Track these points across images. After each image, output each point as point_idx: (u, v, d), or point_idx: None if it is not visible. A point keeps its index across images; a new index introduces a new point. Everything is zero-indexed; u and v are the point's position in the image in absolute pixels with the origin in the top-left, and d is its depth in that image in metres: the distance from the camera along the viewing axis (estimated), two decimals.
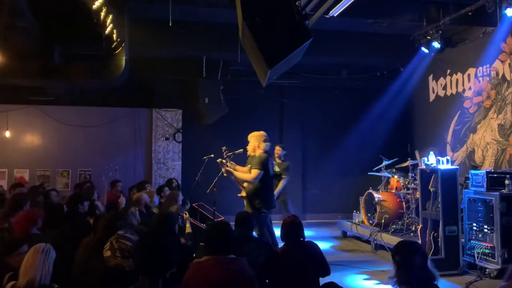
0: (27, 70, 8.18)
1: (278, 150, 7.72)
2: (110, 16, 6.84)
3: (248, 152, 5.81)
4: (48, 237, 4.13)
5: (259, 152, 5.64)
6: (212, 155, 7.76)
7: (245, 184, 5.84)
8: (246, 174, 5.58)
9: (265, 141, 5.70)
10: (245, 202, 5.73)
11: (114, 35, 7.55)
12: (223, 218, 8.07)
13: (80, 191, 7.25)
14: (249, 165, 5.65)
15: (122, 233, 3.22)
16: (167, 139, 10.27)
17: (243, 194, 5.71)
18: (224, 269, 2.93)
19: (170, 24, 6.96)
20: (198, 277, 2.91)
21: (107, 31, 7.19)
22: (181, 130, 10.34)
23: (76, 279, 3.36)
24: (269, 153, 5.80)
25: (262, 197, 5.53)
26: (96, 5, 6.16)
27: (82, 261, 3.49)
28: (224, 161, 5.74)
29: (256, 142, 5.70)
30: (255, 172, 5.45)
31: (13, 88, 9.04)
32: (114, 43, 7.83)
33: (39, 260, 2.97)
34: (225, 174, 5.60)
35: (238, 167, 5.84)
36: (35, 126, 9.78)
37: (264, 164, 5.50)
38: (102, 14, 6.58)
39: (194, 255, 4.10)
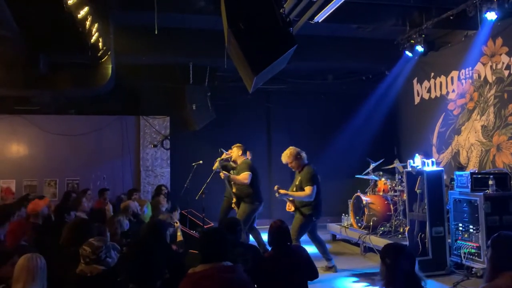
0: (12, 80, 8.12)
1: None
2: (96, 25, 6.84)
3: (293, 169, 6.16)
4: (36, 248, 4.10)
5: (304, 166, 6.00)
6: (201, 162, 7.83)
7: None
8: (301, 192, 5.87)
9: (299, 153, 6.06)
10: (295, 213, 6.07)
11: (100, 44, 7.54)
12: (212, 224, 8.07)
13: (67, 202, 7.20)
14: (299, 178, 5.99)
15: (91, 240, 3.27)
16: (155, 146, 10.25)
17: (292, 209, 6.03)
18: (220, 278, 2.90)
19: (156, 32, 6.98)
20: (196, 287, 2.89)
21: (92, 40, 7.18)
22: (169, 137, 10.32)
23: None
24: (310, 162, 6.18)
25: (314, 207, 5.91)
26: (81, 14, 6.15)
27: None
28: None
29: (296, 160, 6.02)
30: (309, 189, 5.80)
31: None
32: (100, 51, 7.82)
33: (36, 272, 2.96)
34: (277, 195, 5.93)
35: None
36: (20, 136, 9.68)
37: (314, 179, 5.88)
38: (88, 23, 6.57)
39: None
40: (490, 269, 2.64)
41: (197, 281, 2.86)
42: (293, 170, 6.15)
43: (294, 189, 6.02)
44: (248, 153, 7.55)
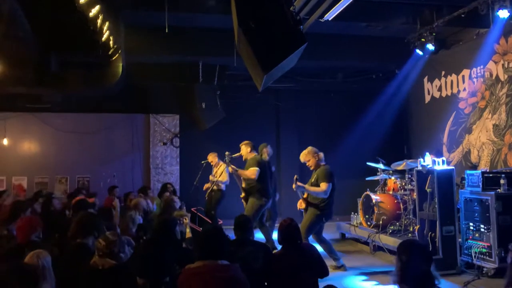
0: (23, 78, 8.21)
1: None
2: (107, 24, 6.89)
3: (311, 168, 6.19)
4: (49, 244, 4.15)
5: (320, 165, 6.07)
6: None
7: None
8: (317, 188, 5.91)
9: (317, 152, 6.15)
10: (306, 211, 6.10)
11: (111, 42, 7.60)
12: (221, 222, 8.10)
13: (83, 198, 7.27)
14: (315, 176, 6.04)
15: (108, 233, 3.35)
16: (164, 144, 10.31)
17: (303, 206, 6.07)
18: (213, 276, 2.91)
19: (166, 30, 7.02)
20: (188, 283, 2.91)
21: (103, 39, 7.24)
22: (178, 135, 10.38)
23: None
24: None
25: (325, 206, 5.97)
26: (92, 13, 6.21)
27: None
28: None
29: (313, 158, 6.11)
30: (325, 185, 5.85)
31: (10, 96, 9.06)
32: (111, 50, 7.88)
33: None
34: (294, 186, 5.91)
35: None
36: (32, 134, 9.81)
37: (331, 177, 5.94)
38: (99, 21, 6.63)
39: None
40: (510, 274, 2.62)
41: (189, 277, 2.90)
42: (311, 169, 6.19)
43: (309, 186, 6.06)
44: (266, 149, 7.54)
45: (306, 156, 6.15)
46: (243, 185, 6.64)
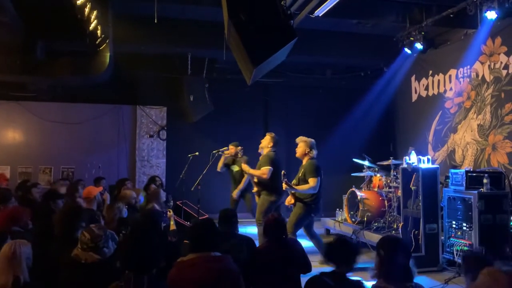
0: (8, 66, 8.05)
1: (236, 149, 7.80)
2: (95, 12, 6.79)
3: (296, 155, 6.18)
4: (33, 234, 4.09)
5: (309, 159, 6.05)
6: (197, 153, 7.83)
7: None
8: (306, 185, 5.89)
9: (313, 146, 6.09)
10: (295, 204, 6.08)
11: (98, 31, 7.49)
12: (207, 216, 8.07)
13: (54, 188, 7.17)
14: (302, 171, 6.01)
15: (92, 226, 3.27)
16: (151, 136, 10.23)
17: (292, 201, 6.07)
18: (206, 268, 2.93)
19: (156, 21, 6.94)
20: (181, 276, 2.92)
21: (91, 27, 7.13)
22: (165, 128, 10.30)
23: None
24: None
25: (313, 201, 5.97)
26: (80, 1, 6.11)
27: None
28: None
29: (305, 146, 6.07)
30: (313, 181, 5.83)
31: None
32: (98, 39, 7.76)
33: (8, 263, 2.92)
34: (284, 187, 5.95)
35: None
36: (16, 122, 9.63)
37: (319, 171, 5.92)
38: (87, 10, 6.53)
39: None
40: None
41: (183, 269, 2.92)
42: (296, 155, 6.17)
43: (297, 181, 6.05)
44: (239, 148, 7.52)
45: (301, 144, 6.11)
46: (255, 180, 6.53)
